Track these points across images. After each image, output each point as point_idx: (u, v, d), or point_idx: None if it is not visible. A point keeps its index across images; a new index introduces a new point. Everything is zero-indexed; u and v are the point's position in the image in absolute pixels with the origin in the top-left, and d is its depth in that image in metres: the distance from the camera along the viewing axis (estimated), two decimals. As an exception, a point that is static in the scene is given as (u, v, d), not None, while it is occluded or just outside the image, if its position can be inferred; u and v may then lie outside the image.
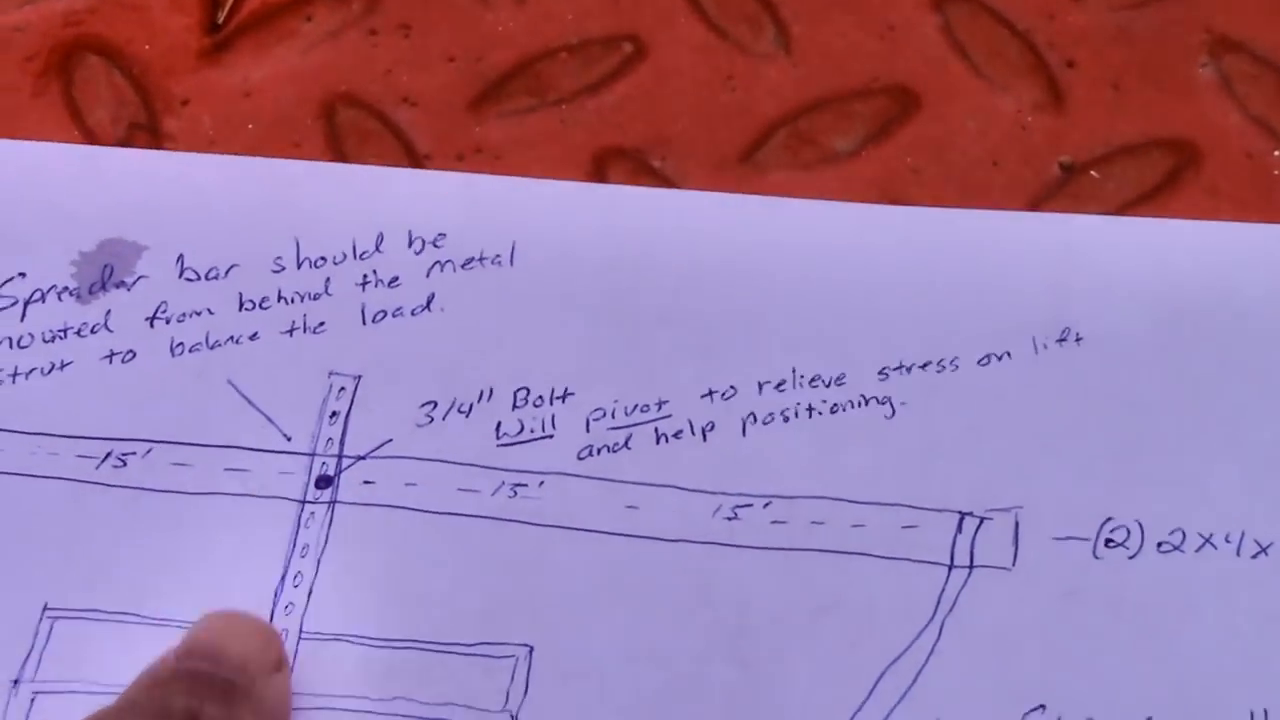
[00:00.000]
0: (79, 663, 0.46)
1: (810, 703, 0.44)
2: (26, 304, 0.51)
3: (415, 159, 0.53)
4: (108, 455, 0.49)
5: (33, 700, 0.46)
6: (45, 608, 0.46)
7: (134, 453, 0.49)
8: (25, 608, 0.47)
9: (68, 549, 0.47)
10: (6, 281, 0.52)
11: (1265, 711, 0.43)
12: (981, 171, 0.51)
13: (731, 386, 0.48)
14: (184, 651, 0.44)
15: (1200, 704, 0.43)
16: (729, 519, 0.46)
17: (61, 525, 0.48)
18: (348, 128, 0.54)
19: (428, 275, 0.51)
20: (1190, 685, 0.43)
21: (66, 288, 0.52)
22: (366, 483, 0.48)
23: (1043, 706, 0.43)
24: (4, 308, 0.52)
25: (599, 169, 0.53)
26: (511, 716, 0.44)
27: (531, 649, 0.45)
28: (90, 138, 0.54)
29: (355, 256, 0.52)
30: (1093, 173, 0.51)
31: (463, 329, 0.50)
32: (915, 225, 0.51)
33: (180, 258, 0.52)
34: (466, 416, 0.49)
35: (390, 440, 0.48)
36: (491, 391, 0.49)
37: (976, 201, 0.51)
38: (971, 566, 0.45)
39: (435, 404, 0.49)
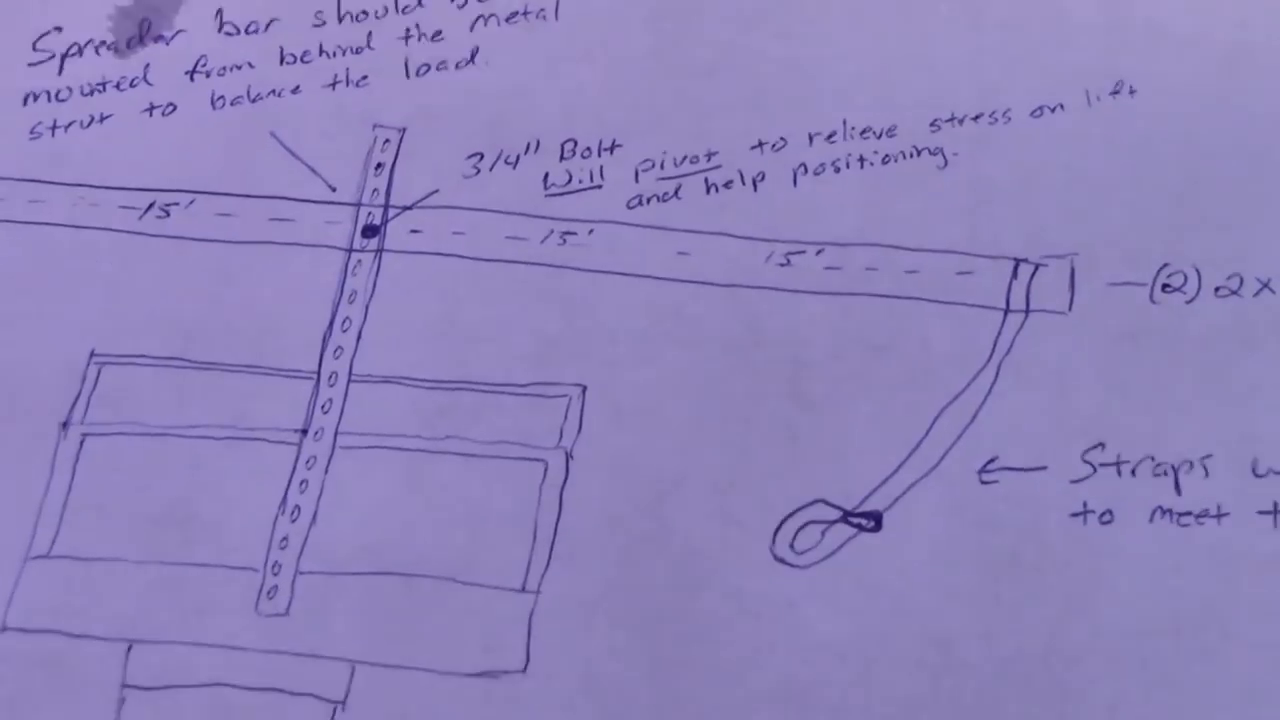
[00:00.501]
0: (126, 406, 0.45)
1: (869, 439, 0.43)
2: (63, 58, 0.50)
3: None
4: (150, 206, 0.48)
5: (82, 442, 0.44)
6: (92, 354, 0.45)
7: (177, 204, 0.48)
8: (73, 354, 0.46)
9: (113, 298, 0.47)
10: (42, 36, 0.51)
11: (1325, 447, 0.42)
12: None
13: (781, 138, 0.47)
14: None
15: (1261, 442, 0.43)
16: (781, 265, 0.45)
17: (106, 275, 0.47)
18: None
19: (471, 29, 0.50)
20: (1250, 423, 0.43)
21: (104, 41, 0.50)
22: (414, 232, 0.47)
23: (1102, 444, 0.42)
24: (40, 61, 0.50)
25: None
26: (566, 453, 0.43)
27: (585, 388, 0.44)
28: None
29: (397, 10, 0.50)
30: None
31: (507, 82, 0.49)
32: (967, -20, 0.49)
33: (219, 12, 0.51)
34: (514, 168, 0.48)
35: (436, 191, 0.47)
36: (538, 143, 0.48)
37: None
38: (1028, 311, 0.44)
39: (481, 155, 0.48)
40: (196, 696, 0.42)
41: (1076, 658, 0.41)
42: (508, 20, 0.50)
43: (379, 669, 0.42)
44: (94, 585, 0.43)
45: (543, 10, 0.50)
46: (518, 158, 0.48)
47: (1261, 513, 0.42)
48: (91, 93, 0.50)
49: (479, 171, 0.48)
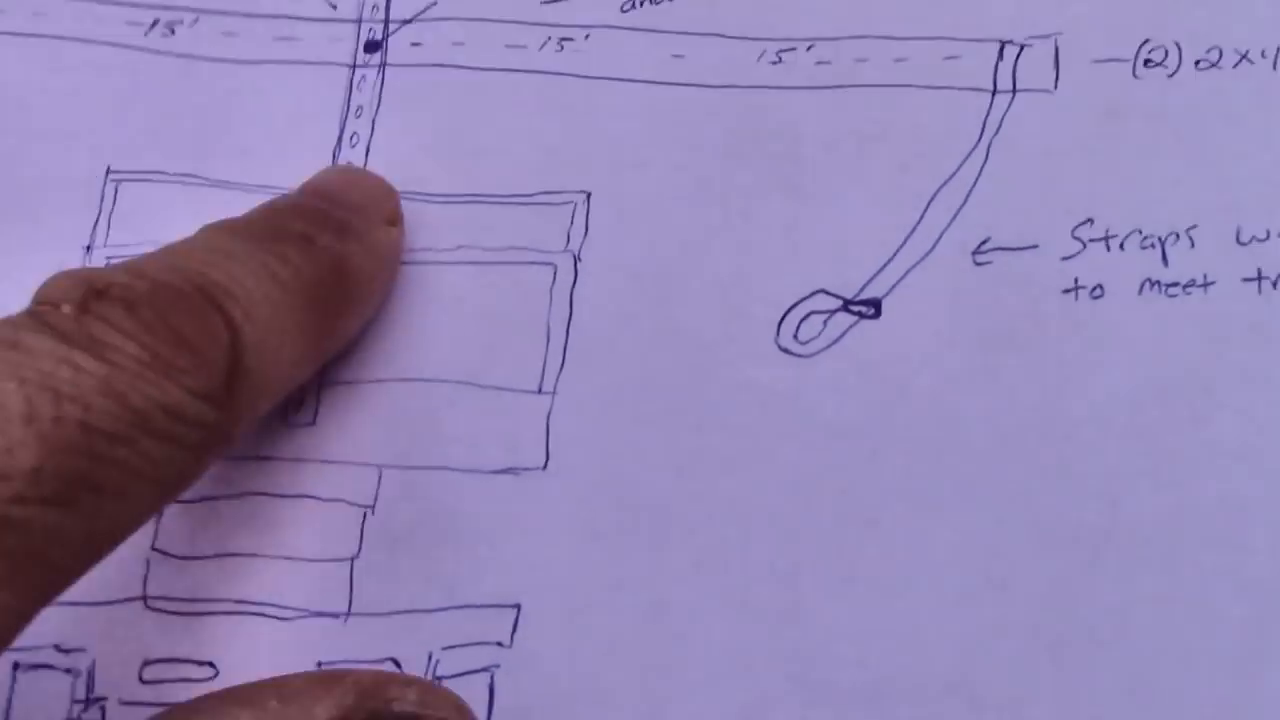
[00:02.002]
0: (147, 224, 0.45)
1: (866, 226, 0.43)
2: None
3: None
4: (155, 23, 0.47)
5: (108, 262, 0.44)
6: (109, 171, 0.45)
7: (181, 21, 0.47)
8: (89, 172, 0.45)
9: (125, 113, 0.46)
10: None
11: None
12: None
13: (768, -64, 0.46)
14: (305, 190, 0.43)
15: (1243, 211, 0.43)
16: (774, 63, 0.45)
17: (116, 90, 0.47)
18: None
19: None
20: (1233, 193, 0.43)
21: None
22: (415, 45, 0.46)
23: (1090, 220, 0.42)
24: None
25: None
26: (574, 256, 0.43)
27: (589, 194, 0.44)
28: None
29: None
30: None
31: (499, -109, 0.47)
32: None
33: None
34: (509, -23, 0.46)
35: (435, 3, 0.46)
36: (533, -48, 0.47)
37: None
38: (1014, 91, 0.44)
39: (477, -34, 0.46)
40: (234, 506, 0.43)
41: (1073, 430, 0.41)
42: None
43: (405, 471, 0.43)
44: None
45: None
46: (513, -33, 0.47)
47: (1246, 280, 0.42)
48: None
49: (476, -18, 0.47)
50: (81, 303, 0.36)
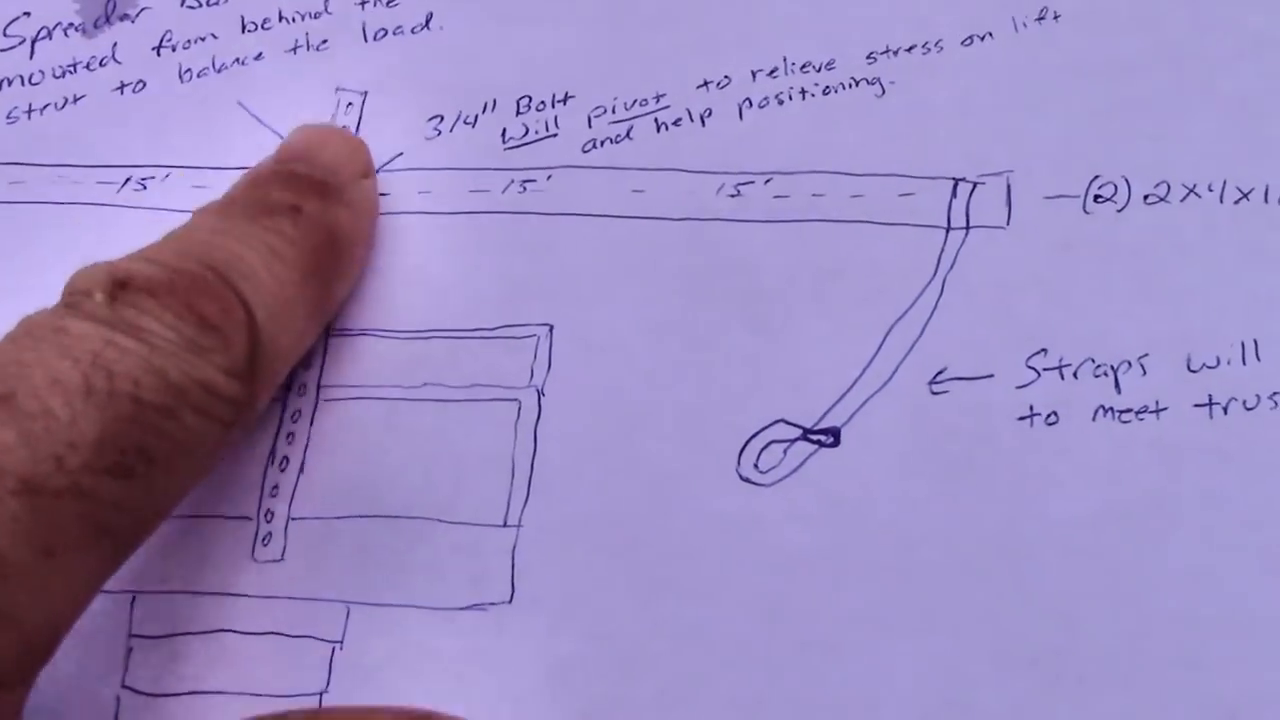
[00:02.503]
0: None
1: (824, 359, 0.43)
2: (34, 42, 0.50)
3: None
4: (127, 180, 0.48)
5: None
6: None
7: (153, 177, 0.48)
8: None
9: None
10: (12, 22, 0.50)
11: (1255, 341, 0.42)
12: None
13: (726, 76, 0.47)
14: (280, 156, 0.45)
15: (1194, 338, 0.43)
16: (732, 196, 0.45)
17: (91, 249, 0.46)
18: None
19: (424, -6, 0.49)
20: (1184, 322, 0.43)
21: (71, 24, 0.50)
22: (381, 195, 0.47)
23: (1044, 350, 0.43)
24: (11, 47, 0.50)
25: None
26: (537, 390, 0.44)
27: (551, 327, 0.44)
28: (83, -115, 0.52)
29: (351, -23, 0.50)
30: None
31: (462, 45, 0.49)
32: (892, -83, 0.49)
33: (180, -12, 0.50)
34: (473, 127, 0.48)
35: (401, 154, 0.47)
36: (495, 102, 0.48)
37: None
38: (968, 228, 0.44)
39: (441, 117, 0.48)
40: (203, 643, 0.43)
41: (1031, 553, 0.41)
42: (458, -21, 0.50)
43: (373, 608, 0.43)
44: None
45: (492, -31, 0.50)
46: (476, 117, 0.48)
47: (1197, 405, 0.42)
48: (63, 74, 0.50)
49: (440, 133, 0.48)
50: (110, 291, 0.38)
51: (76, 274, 0.39)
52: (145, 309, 0.38)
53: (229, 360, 0.39)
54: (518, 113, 0.48)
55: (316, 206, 0.42)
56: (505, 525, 0.43)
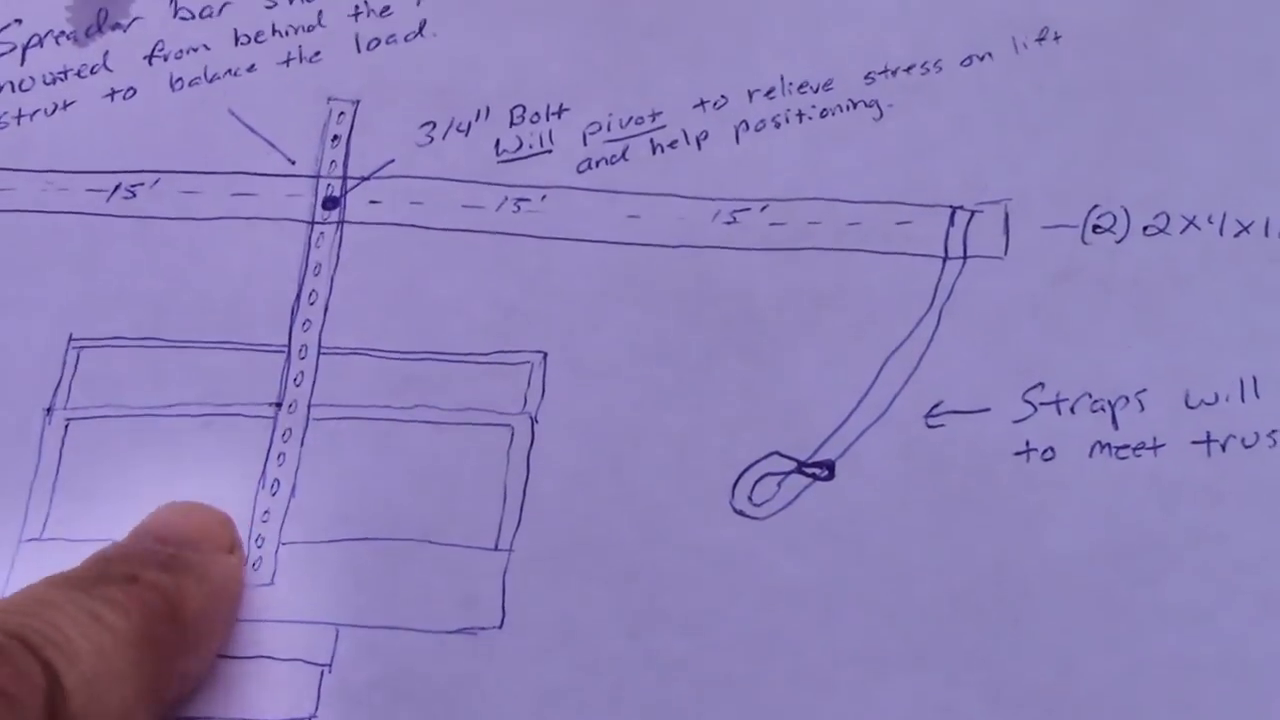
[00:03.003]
0: (106, 388, 0.45)
1: (819, 390, 0.43)
2: (25, 49, 0.49)
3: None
4: (117, 188, 0.47)
5: (66, 426, 0.44)
6: (70, 338, 0.45)
7: (142, 184, 0.47)
8: (52, 339, 0.45)
9: (87, 280, 0.46)
10: (3, 28, 0.49)
11: (1255, 378, 0.42)
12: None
13: (723, 95, 0.47)
14: (135, 533, 0.43)
15: (1192, 375, 0.42)
16: (728, 223, 0.45)
17: (78, 258, 0.47)
18: None
19: (418, 3, 0.49)
20: (1182, 357, 0.43)
21: (63, 31, 0.50)
22: (373, 202, 0.46)
23: (1041, 384, 0.42)
24: (2, 54, 0.49)
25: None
26: (531, 418, 0.43)
27: (545, 354, 0.44)
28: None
29: (346, -12, 0.49)
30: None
31: (455, 51, 0.49)
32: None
33: (173, -2, 0.49)
34: (465, 135, 0.47)
35: (393, 161, 0.47)
36: (488, 110, 0.47)
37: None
38: (965, 257, 0.44)
39: (434, 124, 0.47)
40: (189, 665, 0.42)
41: (1026, 589, 0.41)
42: (454, -10, 0.49)
43: (363, 631, 0.42)
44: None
45: (487, -19, 0.49)
46: (469, 125, 0.48)
47: (1195, 442, 0.42)
48: (54, 81, 0.49)
49: (432, 140, 0.47)
50: None
51: None
52: None
53: None
54: (511, 123, 0.47)
55: (157, 576, 0.40)
56: (497, 549, 0.42)
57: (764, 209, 0.45)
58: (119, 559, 0.41)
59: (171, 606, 0.40)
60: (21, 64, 0.49)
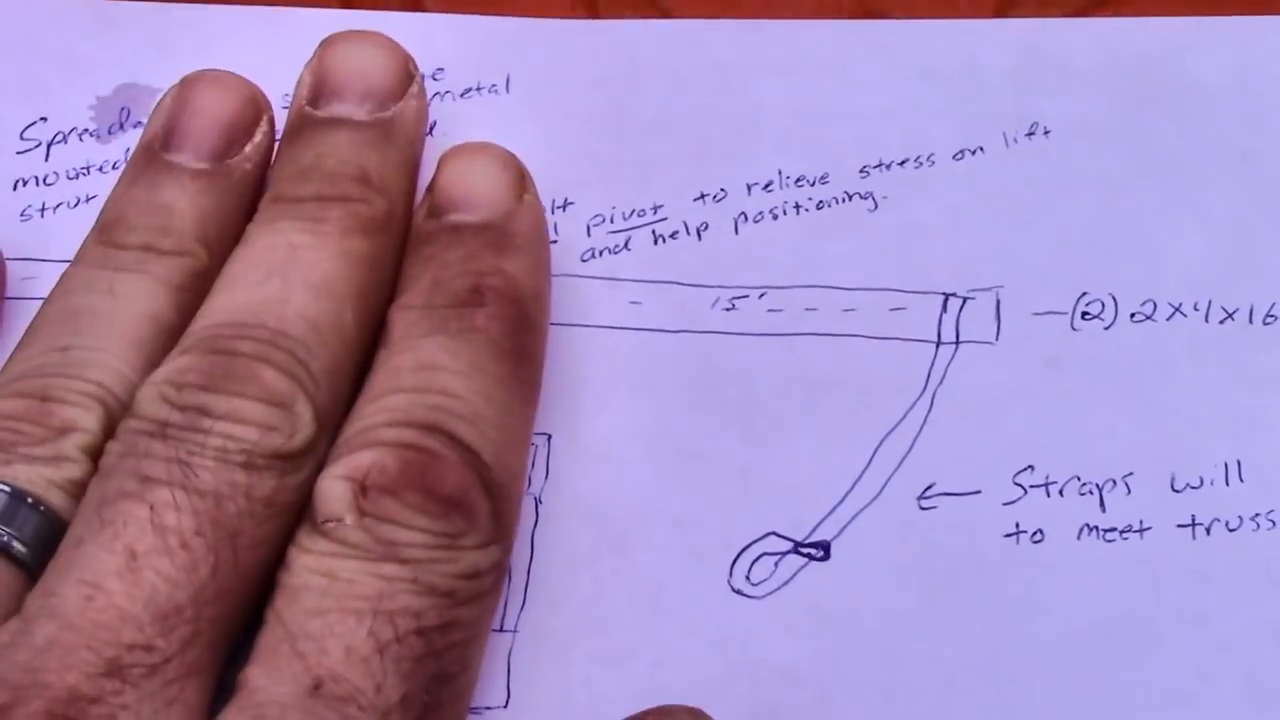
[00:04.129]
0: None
1: (815, 473, 0.43)
2: (50, 145, 0.50)
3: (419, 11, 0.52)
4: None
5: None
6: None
7: None
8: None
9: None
10: (29, 126, 0.51)
11: (1239, 462, 0.42)
12: (948, -16, 0.50)
13: (722, 189, 0.48)
14: (439, 204, 0.44)
15: (1178, 459, 0.43)
16: (727, 310, 0.46)
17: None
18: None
19: (429, 106, 0.50)
20: (1168, 441, 0.43)
21: (87, 129, 0.51)
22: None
23: (1031, 467, 0.43)
24: (29, 149, 0.50)
25: (593, 7, 0.51)
26: (535, 499, 0.44)
27: (550, 437, 0.44)
28: (102, -9, 0.53)
29: (360, 91, 0.50)
30: (1054, -20, 0.50)
31: (464, 150, 0.49)
32: (889, 36, 0.50)
33: (193, 98, 0.50)
34: (474, 231, 0.47)
35: (405, 259, 0.47)
36: (496, 206, 0.48)
37: (945, 11, 0.50)
38: (958, 343, 0.44)
39: (444, 218, 0.48)
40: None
41: (1015, 671, 0.41)
42: (462, 96, 0.50)
43: (370, 709, 0.42)
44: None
45: (495, 85, 0.50)
46: (479, 221, 0.48)
47: (1180, 526, 0.42)
48: (77, 176, 0.50)
49: (443, 233, 0.48)
50: (356, 505, 0.37)
51: (319, 492, 0.38)
52: (393, 517, 0.37)
53: (480, 534, 0.38)
54: (519, 218, 0.48)
55: (497, 280, 0.41)
56: (502, 630, 0.43)
57: (762, 296, 0.46)
58: (457, 262, 0.42)
59: (520, 309, 0.41)
60: (46, 159, 0.50)
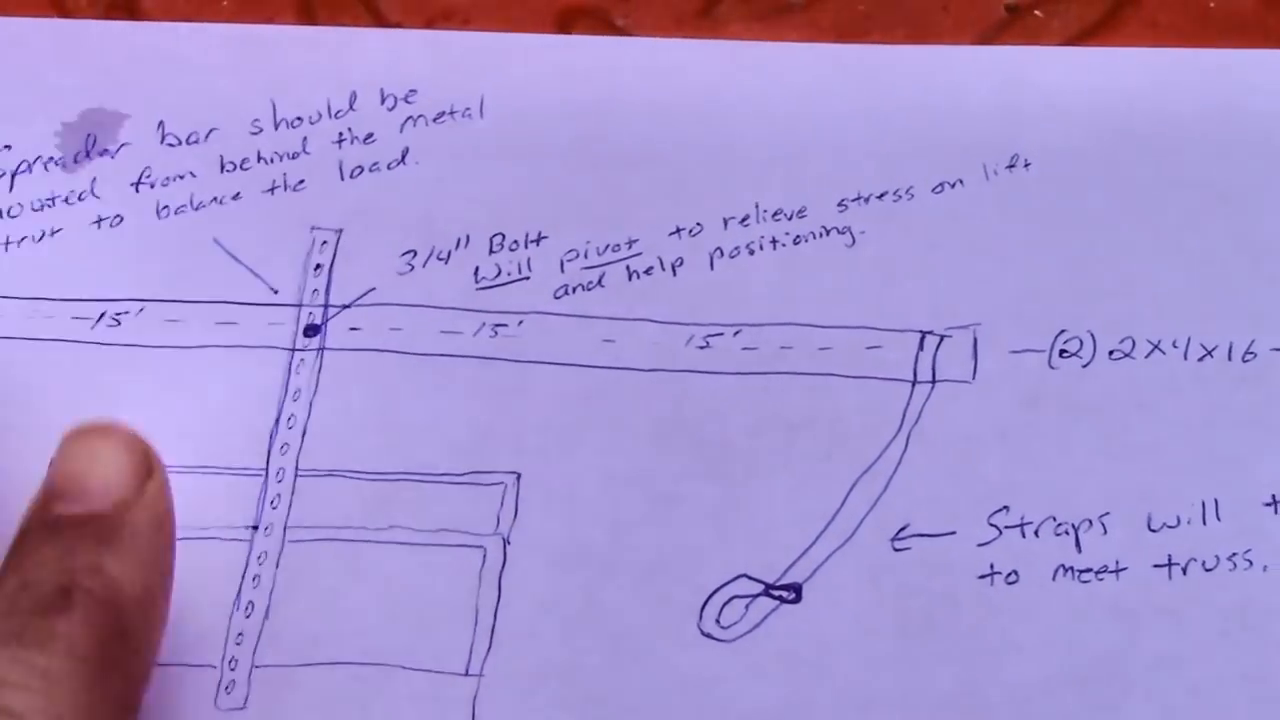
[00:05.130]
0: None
1: (788, 514, 0.44)
2: (14, 175, 0.51)
3: (385, 27, 0.53)
4: (102, 315, 0.49)
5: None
6: (52, 464, 0.46)
7: (127, 312, 0.48)
8: (34, 466, 0.46)
9: (71, 407, 0.47)
10: (-7, 156, 0.51)
11: (1215, 501, 0.43)
12: (931, 14, 0.51)
13: (698, 223, 0.48)
14: (39, 500, 0.40)
15: (1155, 498, 0.44)
16: (701, 348, 0.46)
17: (63, 385, 0.48)
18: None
19: (401, 130, 0.51)
20: (1145, 481, 0.44)
21: (52, 158, 0.51)
22: (353, 329, 0.48)
23: (1006, 508, 0.43)
24: (-8, 180, 0.51)
25: (564, 28, 0.52)
26: (503, 539, 0.44)
27: (519, 475, 0.45)
28: (67, 16, 0.53)
29: (330, 115, 0.51)
30: (1037, 12, 0.51)
31: (437, 180, 0.50)
32: (868, 63, 0.50)
33: (161, 124, 0.51)
34: (445, 263, 0.49)
35: (374, 289, 0.48)
36: (468, 239, 0.49)
37: (927, 41, 0.51)
38: (934, 381, 0.45)
39: (415, 253, 0.49)
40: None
41: (989, 714, 0.42)
42: (435, 120, 0.51)
43: (334, 756, 0.43)
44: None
45: (468, 109, 0.51)
46: (449, 253, 0.49)
47: (1157, 566, 0.43)
48: (42, 207, 0.51)
49: (413, 268, 0.49)
50: None
51: None
52: None
53: None
54: (491, 251, 0.49)
55: (92, 580, 0.37)
56: (467, 674, 0.43)
57: (737, 334, 0.47)
58: (48, 552, 0.38)
59: (115, 610, 0.38)
60: (10, 190, 0.51)
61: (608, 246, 0.48)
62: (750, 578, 0.43)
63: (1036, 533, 0.43)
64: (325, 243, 0.50)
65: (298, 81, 0.52)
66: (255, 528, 0.46)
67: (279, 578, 0.45)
